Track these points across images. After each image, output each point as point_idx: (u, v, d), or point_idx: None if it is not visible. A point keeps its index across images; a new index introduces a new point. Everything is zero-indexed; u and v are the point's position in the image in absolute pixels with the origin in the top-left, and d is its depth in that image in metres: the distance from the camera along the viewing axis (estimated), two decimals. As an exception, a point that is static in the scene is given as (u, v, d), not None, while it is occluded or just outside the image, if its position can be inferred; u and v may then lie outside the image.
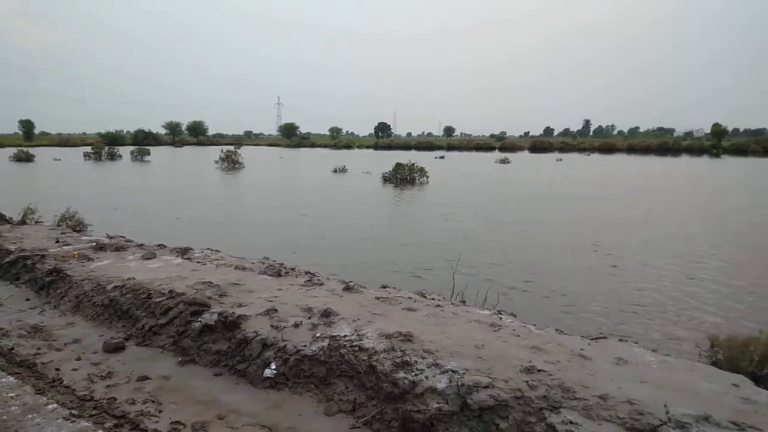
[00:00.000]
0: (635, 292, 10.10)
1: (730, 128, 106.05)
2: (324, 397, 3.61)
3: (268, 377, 3.84)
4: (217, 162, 47.22)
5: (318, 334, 4.03)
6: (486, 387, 3.11)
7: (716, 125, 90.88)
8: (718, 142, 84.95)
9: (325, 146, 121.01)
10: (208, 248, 7.88)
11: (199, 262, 6.70)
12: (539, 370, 3.32)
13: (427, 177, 32.13)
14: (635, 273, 11.44)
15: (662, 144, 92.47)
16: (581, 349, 3.79)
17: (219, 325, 4.36)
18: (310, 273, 6.36)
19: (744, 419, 2.71)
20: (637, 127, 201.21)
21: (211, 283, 5.37)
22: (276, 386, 3.79)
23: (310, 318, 4.38)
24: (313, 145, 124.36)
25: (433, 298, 5.36)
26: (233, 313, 4.47)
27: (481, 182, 33.20)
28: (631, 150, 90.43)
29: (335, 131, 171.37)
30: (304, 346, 3.92)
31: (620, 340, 4.34)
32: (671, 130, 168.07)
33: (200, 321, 4.49)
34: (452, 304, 5.25)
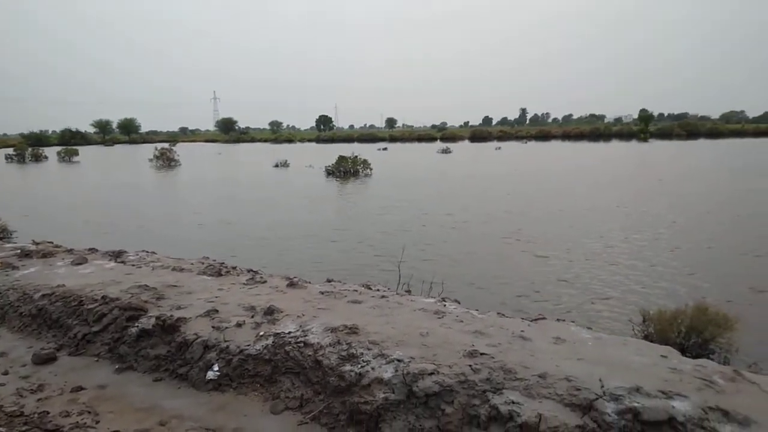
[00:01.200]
0: (571, 275, 10.52)
1: (655, 113, 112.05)
2: (270, 396, 3.56)
3: (211, 379, 3.74)
4: (151, 160, 45.39)
5: (262, 333, 3.96)
6: (431, 374, 3.15)
7: (643, 111, 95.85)
8: (645, 127, 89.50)
9: (265, 141, 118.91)
10: (144, 250, 7.58)
11: (133, 265, 6.44)
12: (482, 354, 3.39)
13: (371, 169, 32.18)
14: (572, 259, 11.90)
15: (594, 130, 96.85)
16: (521, 331, 3.91)
17: (157, 329, 4.21)
18: (252, 271, 6.23)
19: (671, 388, 2.87)
20: (571, 115, 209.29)
21: (148, 286, 5.17)
22: (220, 388, 3.71)
23: (253, 317, 4.30)
24: (252, 140, 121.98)
25: (378, 290, 5.37)
26: (172, 316, 4.32)
27: (425, 173, 33.57)
28: (566, 137, 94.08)
29: (275, 125, 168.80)
30: (248, 345, 3.85)
31: (558, 320, 4.51)
32: (602, 117, 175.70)
33: (137, 326, 4.32)
34: (397, 294, 5.28)
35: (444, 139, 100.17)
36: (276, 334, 3.89)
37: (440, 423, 2.93)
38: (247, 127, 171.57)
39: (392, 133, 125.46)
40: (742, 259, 11.24)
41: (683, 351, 6.53)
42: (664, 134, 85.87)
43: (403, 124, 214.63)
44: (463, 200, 20.65)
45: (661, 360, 3.40)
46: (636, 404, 2.68)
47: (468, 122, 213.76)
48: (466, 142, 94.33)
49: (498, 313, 4.64)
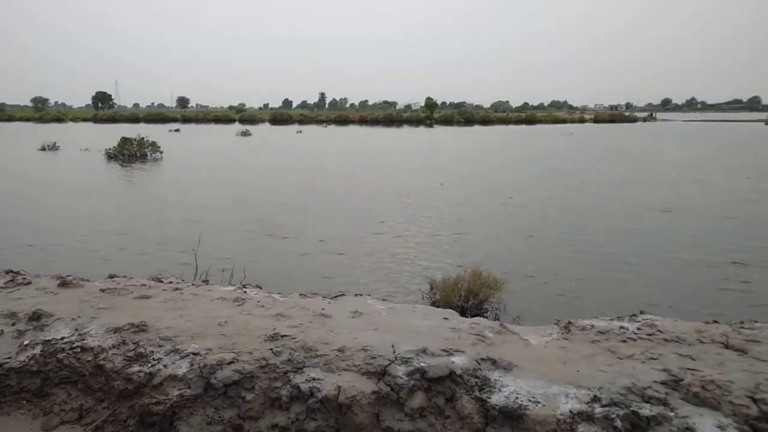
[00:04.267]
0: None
1: (439, 101, 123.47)
2: (41, 411, 3.10)
3: (-42, 405, 3.11)
4: None
5: (27, 342, 3.40)
6: (230, 363, 3.05)
7: (429, 99, 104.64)
8: (431, 114, 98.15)
9: (28, 120, 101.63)
10: None
11: None
12: (283, 336, 3.39)
13: (161, 152, 29.77)
14: (367, 249, 12.56)
15: (388, 116, 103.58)
16: (322, 309, 4.00)
17: None
18: (12, 272, 5.29)
19: (451, 345, 3.22)
20: (366, 100, 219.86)
21: None
22: (-28, 413, 3.10)
23: (14, 324, 3.66)
24: (10, 119, 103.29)
25: (171, 282, 5.00)
26: None
27: (221, 155, 32.18)
28: (363, 122, 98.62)
29: (40, 102, 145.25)
30: (9, 358, 3.28)
31: (356, 295, 4.72)
32: (394, 103, 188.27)
33: None
34: (193, 285, 4.98)
35: (243, 120, 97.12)
36: (45, 342, 3.38)
37: (241, 411, 2.86)
38: (2, 104, 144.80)
39: (185, 114, 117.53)
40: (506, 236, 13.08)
41: (463, 312, 7.41)
42: (447, 121, 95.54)
43: (198, 104, 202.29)
44: (262, 185, 20.36)
45: (443, 322, 3.78)
46: (423, 364, 2.95)
47: (268, 104, 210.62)
48: (267, 124, 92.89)
49: (300, 294, 4.68)
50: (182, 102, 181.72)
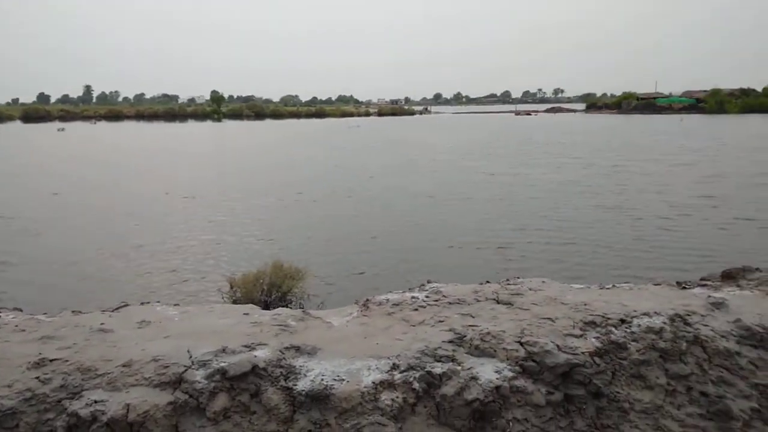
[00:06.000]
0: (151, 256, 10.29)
1: (226, 95, 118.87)
2: None
3: None
4: None
5: None
6: (-18, 402, 2.52)
7: (214, 92, 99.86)
8: (218, 108, 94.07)
9: None
10: None
11: None
12: (53, 360, 2.92)
13: None
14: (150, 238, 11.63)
15: (169, 110, 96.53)
16: (101, 324, 3.54)
17: None
18: None
19: (253, 340, 3.12)
20: (143, 94, 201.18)
21: None
22: None
23: None
24: None
25: None
26: None
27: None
28: (140, 117, 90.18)
29: None
30: None
31: (142, 303, 4.28)
32: (176, 97, 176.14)
33: None
34: (-77, 317, 4.00)
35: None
36: None
37: (2, 456, 2.39)
38: None
39: None
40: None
41: (267, 306, 7.29)
42: (236, 115, 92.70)
43: None
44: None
45: (244, 318, 3.64)
46: (223, 364, 2.79)
47: (18, 99, 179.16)
48: (18, 122, 79.09)
49: (72, 312, 4.07)
50: None
